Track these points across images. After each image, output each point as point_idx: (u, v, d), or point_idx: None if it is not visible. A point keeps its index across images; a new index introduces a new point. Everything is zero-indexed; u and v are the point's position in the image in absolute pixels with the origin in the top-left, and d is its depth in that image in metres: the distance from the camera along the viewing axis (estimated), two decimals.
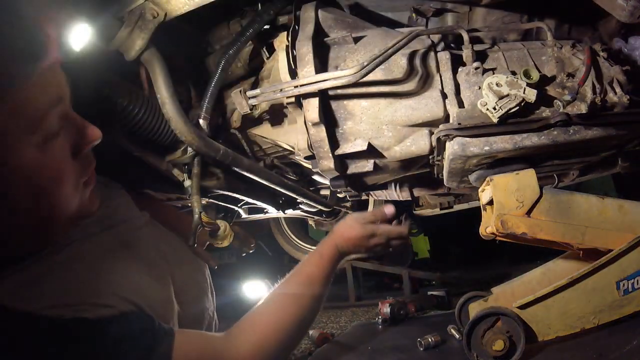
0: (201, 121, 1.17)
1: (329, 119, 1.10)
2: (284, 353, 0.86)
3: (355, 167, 1.18)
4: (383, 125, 1.09)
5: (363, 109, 1.09)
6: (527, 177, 1.13)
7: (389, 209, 1.12)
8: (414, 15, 1.25)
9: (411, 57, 1.09)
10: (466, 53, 1.09)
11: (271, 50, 1.30)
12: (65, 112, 0.71)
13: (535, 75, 1.01)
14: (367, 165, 1.16)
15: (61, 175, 0.71)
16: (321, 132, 1.07)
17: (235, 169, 1.29)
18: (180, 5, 1.00)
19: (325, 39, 1.13)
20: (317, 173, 1.29)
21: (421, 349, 1.41)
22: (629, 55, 1.16)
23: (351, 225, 1.09)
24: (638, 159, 1.36)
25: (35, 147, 0.66)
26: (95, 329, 0.68)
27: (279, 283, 0.96)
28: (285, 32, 1.17)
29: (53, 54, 0.65)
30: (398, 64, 1.08)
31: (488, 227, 1.15)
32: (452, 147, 1.05)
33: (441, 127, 1.06)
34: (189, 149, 1.23)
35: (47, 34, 0.64)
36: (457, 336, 1.45)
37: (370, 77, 1.04)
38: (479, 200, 1.28)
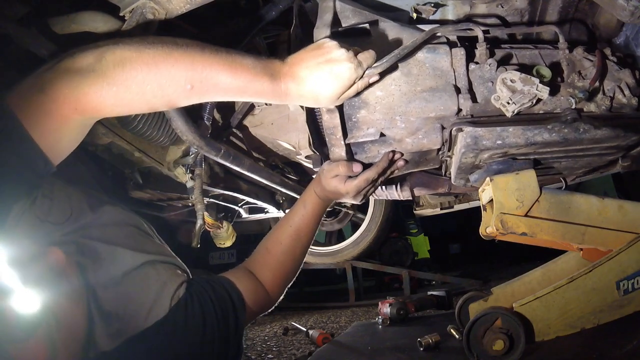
0: (202, 121, 1.17)
1: (342, 106, 1.10)
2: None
3: (365, 158, 1.17)
4: (396, 116, 1.09)
5: (377, 99, 1.09)
6: (527, 177, 1.13)
7: (357, 167, 1.14)
8: (414, 15, 1.25)
9: (427, 52, 1.10)
10: (480, 51, 1.10)
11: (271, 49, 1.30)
12: None
13: (547, 74, 1.02)
14: (378, 156, 1.16)
15: None
16: (335, 119, 1.07)
17: (236, 168, 1.29)
18: (181, 5, 0.99)
19: (341, 29, 1.13)
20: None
21: (421, 349, 1.41)
22: (637, 58, 1.17)
23: (328, 179, 1.16)
24: (638, 159, 1.36)
25: None
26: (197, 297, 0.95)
27: (276, 235, 1.18)
28: (287, 31, 1.17)
29: None
30: (414, 58, 1.08)
31: (488, 227, 1.15)
32: (464, 140, 1.05)
33: (454, 119, 1.06)
34: (191, 149, 1.23)
35: None
36: (457, 336, 1.45)
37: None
38: (479, 200, 1.28)
